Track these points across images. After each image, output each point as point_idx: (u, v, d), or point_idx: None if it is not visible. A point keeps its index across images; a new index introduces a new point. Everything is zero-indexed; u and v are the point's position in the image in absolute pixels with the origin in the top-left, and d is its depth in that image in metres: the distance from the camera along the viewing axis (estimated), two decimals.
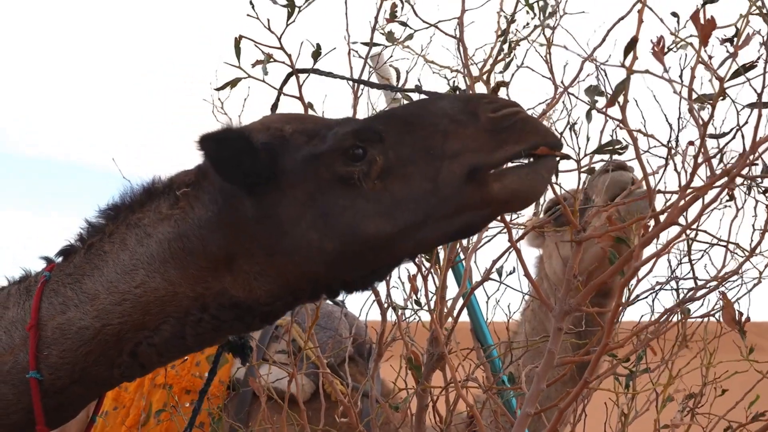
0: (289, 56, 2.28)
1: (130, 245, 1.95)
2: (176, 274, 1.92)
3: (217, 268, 1.92)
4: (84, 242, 2.00)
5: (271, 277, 1.91)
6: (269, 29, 2.30)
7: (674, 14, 1.90)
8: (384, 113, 1.95)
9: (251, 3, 2.30)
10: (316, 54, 2.27)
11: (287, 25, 2.31)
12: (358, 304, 3.23)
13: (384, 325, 2.45)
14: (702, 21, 1.77)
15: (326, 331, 3.31)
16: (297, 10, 2.30)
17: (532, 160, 1.78)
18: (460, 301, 2.43)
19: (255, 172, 1.87)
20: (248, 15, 2.28)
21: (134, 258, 1.94)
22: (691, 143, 1.94)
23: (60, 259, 2.04)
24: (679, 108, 1.97)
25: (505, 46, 2.18)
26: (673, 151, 2.06)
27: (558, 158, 1.81)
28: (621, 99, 1.83)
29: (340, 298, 3.48)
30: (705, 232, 2.32)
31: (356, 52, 2.42)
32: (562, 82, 2.07)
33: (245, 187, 1.88)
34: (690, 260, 2.44)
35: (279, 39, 2.29)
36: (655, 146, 2.00)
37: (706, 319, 2.48)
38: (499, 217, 2.17)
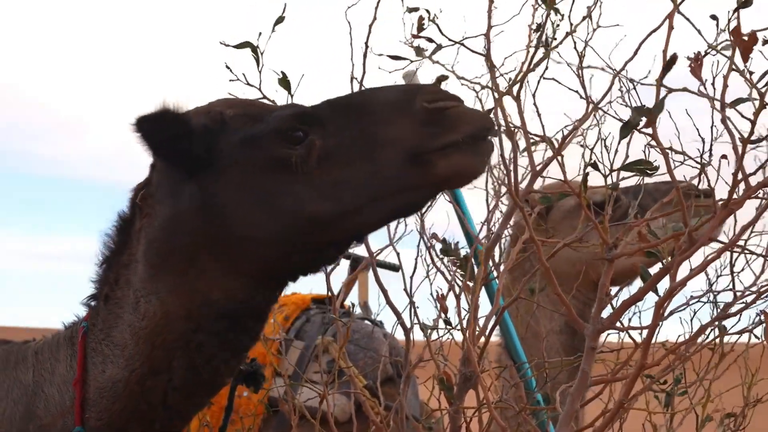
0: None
1: (132, 281, 1.90)
2: (163, 287, 1.85)
3: (188, 270, 1.84)
4: (101, 293, 1.95)
5: (235, 270, 1.84)
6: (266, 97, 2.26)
7: (714, 17, 1.77)
8: (328, 100, 1.89)
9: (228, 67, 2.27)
10: (285, 83, 2.21)
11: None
12: (389, 324, 3.12)
13: (408, 345, 2.35)
14: (742, 35, 1.66)
15: (366, 351, 3.20)
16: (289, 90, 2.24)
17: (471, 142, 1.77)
18: (492, 320, 2.30)
19: (192, 155, 1.81)
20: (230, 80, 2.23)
21: (135, 291, 1.88)
22: (724, 157, 1.82)
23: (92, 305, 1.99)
24: (712, 117, 1.84)
25: (537, 56, 2.07)
26: (705, 167, 1.92)
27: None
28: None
29: (374, 317, 3.43)
30: (745, 249, 2.18)
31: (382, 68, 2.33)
32: (592, 99, 1.95)
33: (184, 170, 1.82)
34: (732, 273, 2.30)
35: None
36: (686, 160, 1.86)
37: (746, 336, 2.34)
38: (531, 236, 2.08)
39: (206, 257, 1.84)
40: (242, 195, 1.82)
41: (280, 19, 2.18)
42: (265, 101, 2.12)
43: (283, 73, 2.19)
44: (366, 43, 2.24)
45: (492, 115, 2.08)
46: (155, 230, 1.87)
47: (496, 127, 1.81)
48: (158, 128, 1.82)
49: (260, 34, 2.20)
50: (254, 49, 2.21)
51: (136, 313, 1.87)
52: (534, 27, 2.07)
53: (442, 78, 2.17)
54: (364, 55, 2.25)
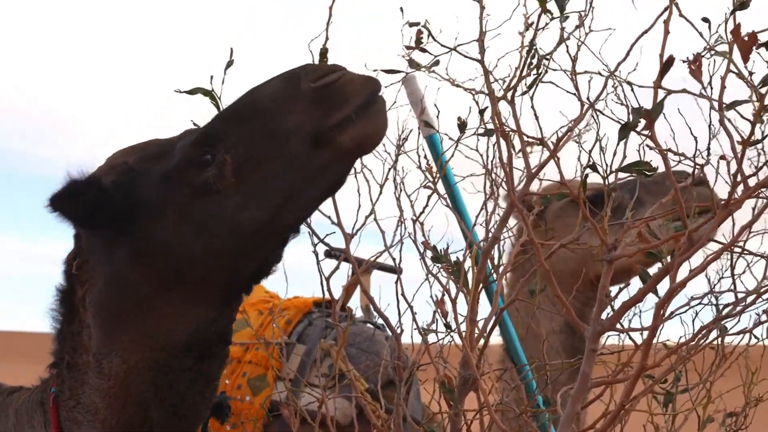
0: None
1: (89, 346, 1.89)
2: (121, 345, 1.85)
3: (143, 320, 1.84)
4: (63, 362, 1.94)
5: (190, 303, 1.84)
6: None
7: (705, 19, 1.74)
8: (220, 113, 1.90)
9: None
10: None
11: None
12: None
13: (400, 350, 2.33)
14: (742, 36, 1.63)
15: (368, 354, 3.17)
16: None
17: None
18: (492, 323, 2.28)
19: (113, 214, 1.81)
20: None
21: (94, 355, 1.88)
22: (722, 158, 1.80)
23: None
24: (710, 118, 1.81)
25: (528, 62, 2.04)
26: (703, 167, 1.89)
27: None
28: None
29: (377, 321, 3.40)
30: (747, 251, 2.15)
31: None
32: (588, 98, 1.93)
33: (110, 230, 1.82)
34: (732, 274, 2.28)
35: None
36: (683, 160, 1.83)
37: (746, 337, 2.31)
38: (530, 238, 2.06)
39: (158, 302, 1.84)
40: (175, 231, 1.82)
41: (229, 63, 2.16)
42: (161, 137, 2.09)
43: (323, 48, 2.18)
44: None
45: (490, 117, 2.07)
46: (99, 294, 1.87)
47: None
48: (73, 202, 1.82)
49: (212, 77, 2.18)
50: (208, 94, 2.18)
51: (101, 376, 1.87)
52: (524, 33, 2.04)
53: (325, 50, 2.17)
54: None
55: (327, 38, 2.21)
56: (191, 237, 1.81)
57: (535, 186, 2.10)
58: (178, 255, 1.82)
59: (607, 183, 1.93)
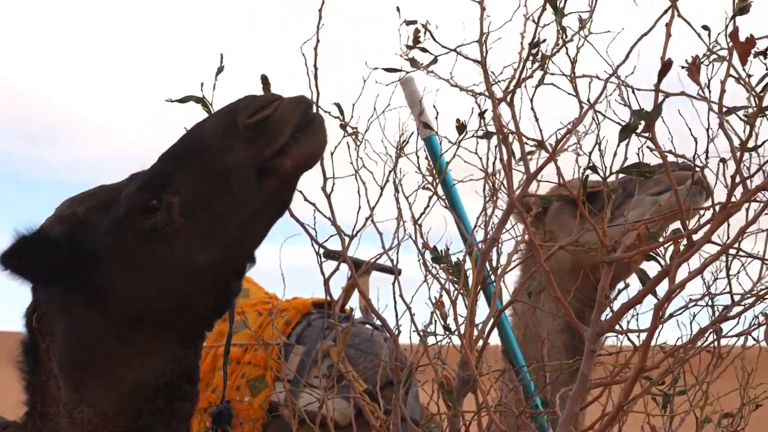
0: None
1: (58, 396, 1.89)
2: (89, 394, 1.85)
3: (109, 368, 1.84)
4: (36, 412, 1.94)
5: (155, 347, 1.85)
6: None
7: (705, 27, 1.75)
8: (162, 155, 1.89)
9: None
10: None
11: None
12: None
13: (397, 351, 2.33)
14: (740, 39, 1.64)
15: (367, 355, 3.17)
16: None
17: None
18: (490, 324, 2.28)
19: (66, 266, 1.81)
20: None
21: (64, 405, 1.88)
22: (723, 160, 1.80)
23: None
24: (708, 120, 1.82)
25: (529, 64, 2.05)
26: (702, 169, 1.90)
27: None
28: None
29: (376, 322, 3.40)
30: (744, 252, 2.16)
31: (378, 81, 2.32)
32: (588, 100, 1.93)
33: (65, 282, 1.82)
34: (728, 276, 2.28)
35: None
36: (681, 162, 1.84)
37: (743, 339, 2.32)
38: (529, 239, 2.07)
39: (121, 349, 1.84)
40: (128, 279, 1.82)
41: (220, 69, 2.17)
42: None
43: (263, 76, 2.17)
44: (315, 66, 2.24)
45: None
46: (62, 347, 1.87)
47: (320, 116, 1.87)
48: (23, 259, 1.81)
49: (203, 84, 2.19)
50: (200, 101, 2.18)
51: (72, 425, 1.86)
52: (525, 34, 2.05)
53: (265, 78, 2.18)
54: (315, 77, 2.26)
55: (318, 40, 2.22)
56: (145, 283, 1.82)
57: (533, 188, 2.10)
58: (134, 302, 1.82)
59: (606, 184, 1.93)
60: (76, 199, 1.95)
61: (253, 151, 1.78)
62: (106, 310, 1.84)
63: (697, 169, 1.94)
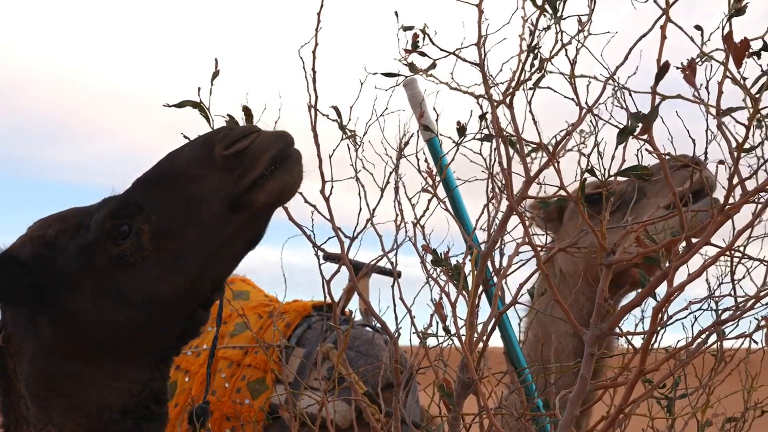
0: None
1: (27, 416, 1.90)
2: (56, 414, 1.86)
3: (75, 389, 1.85)
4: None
5: (120, 369, 1.85)
6: None
7: (698, 27, 1.76)
8: (137, 180, 1.90)
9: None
10: (247, 114, 2.19)
11: None
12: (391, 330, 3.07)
13: (397, 353, 2.34)
14: (735, 41, 1.65)
15: (367, 357, 3.18)
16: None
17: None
18: (491, 326, 2.28)
19: (34, 287, 1.82)
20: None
21: (33, 426, 1.88)
22: (721, 162, 1.81)
23: None
24: (707, 124, 1.83)
25: (528, 67, 2.05)
26: (701, 171, 1.90)
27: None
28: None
29: (375, 324, 3.41)
30: (744, 254, 2.16)
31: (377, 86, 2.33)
32: (586, 102, 1.94)
33: (32, 303, 1.83)
34: (732, 279, 2.28)
35: None
36: (680, 163, 1.85)
37: (746, 342, 2.32)
38: (529, 241, 2.07)
39: (87, 371, 1.85)
40: (95, 304, 1.83)
41: (215, 74, 2.17)
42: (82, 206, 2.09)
43: (245, 107, 2.17)
44: (313, 69, 2.25)
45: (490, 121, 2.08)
46: (28, 367, 1.88)
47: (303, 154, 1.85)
48: None
49: (200, 88, 2.19)
50: (197, 106, 2.19)
51: None
52: (523, 36, 2.05)
53: (247, 110, 2.17)
54: (314, 80, 2.26)
55: (317, 44, 2.23)
56: (111, 309, 1.82)
57: (534, 191, 2.11)
58: (100, 327, 1.83)
59: (605, 187, 1.94)
60: (47, 220, 1.95)
61: (227, 183, 1.78)
62: (72, 332, 1.84)
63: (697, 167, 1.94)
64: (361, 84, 2.32)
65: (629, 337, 2.17)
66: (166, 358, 1.95)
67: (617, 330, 2.01)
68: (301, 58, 2.24)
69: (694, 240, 1.85)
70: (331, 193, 2.31)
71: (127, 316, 1.82)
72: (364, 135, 2.39)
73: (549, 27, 2.00)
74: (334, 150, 2.31)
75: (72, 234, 1.87)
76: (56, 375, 1.86)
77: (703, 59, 1.73)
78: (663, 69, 1.66)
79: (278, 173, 1.79)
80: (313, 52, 2.25)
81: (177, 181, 1.81)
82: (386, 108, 2.38)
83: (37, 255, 1.86)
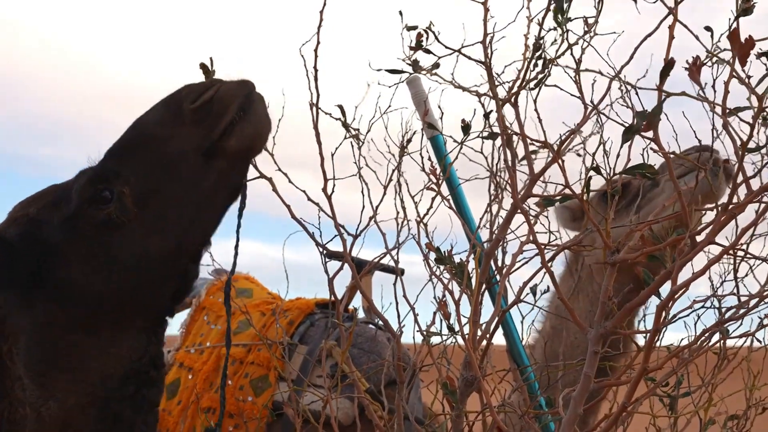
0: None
1: (23, 398, 1.90)
2: (57, 389, 1.87)
3: (76, 360, 1.87)
4: (3, 418, 1.93)
5: (120, 334, 1.88)
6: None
7: (708, 28, 1.77)
8: (110, 148, 1.94)
9: None
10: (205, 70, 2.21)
11: None
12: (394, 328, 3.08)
13: (399, 351, 2.35)
14: (740, 40, 1.66)
15: (370, 355, 3.19)
16: None
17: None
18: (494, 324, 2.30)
19: (24, 266, 1.84)
20: None
21: (30, 405, 1.89)
22: (726, 161, 1.82)
23: None
24: (712, 121, 1.84)
25: (533, 66, 2.06)
26: (705, 170, 1.91)
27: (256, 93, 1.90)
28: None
29: (376, 320, 3.42)
30: (747, 253, 2.17)
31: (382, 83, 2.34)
32: (591, 101, 1.95)
33: (24, 283, 1.85)
34: (735, 278, 2.30)
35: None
36: (685, 163, 1.86)
37: (748, 340, 2.33)
38: (533, 239, 2.08)
39: (86, 342, 1.88)
40: (86, 272, 1.85)
41: (210, 74, 2.19)
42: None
43: (202, 64, 2.20)
44: (315, 68, 2.27)
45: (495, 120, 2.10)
46: (27, 347, 1.89)
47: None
48: None
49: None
50: None
51: (41, 423, 1.88)
52: (529, 35, 2.06)
53: (205, 66, 2.20)
54: (316, 79, 2.28)
55: (318, 42, 2.25)
56: (104, 275, 1.85)
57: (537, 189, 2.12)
58: (95, 295, 1.86)
59: (610, 186, 1.95)
60: (25, 201, 1.98)
61: (200, 135, 1.84)
62: (68, 304, 1.87)
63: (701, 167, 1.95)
64: (368, 85, 2.33)
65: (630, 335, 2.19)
66: (162, 321, 1.98)
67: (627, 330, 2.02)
68: (302, 56, 2.25)
69: (698, 238, 1.86)
70: (333, 191, 2.32)
71: (120, 280, 1.85)
72: (367, 133, 2.40)
73: (556, 27, 2.00)
74: (336, 148, 2.33)
75: (54, 209, 1.90)
76: (56, 349, 1.88)
77: (712, 60, 1.74)
78: (668, 65, 1.67)
79: (247, 117, 1.86)
80: (315, 51, 2.26)
81: (149, 144, 1.86)
82: (389, 105, 2.40)
83: (23, 234, 1.89)
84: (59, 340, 1.88)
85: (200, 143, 1.84)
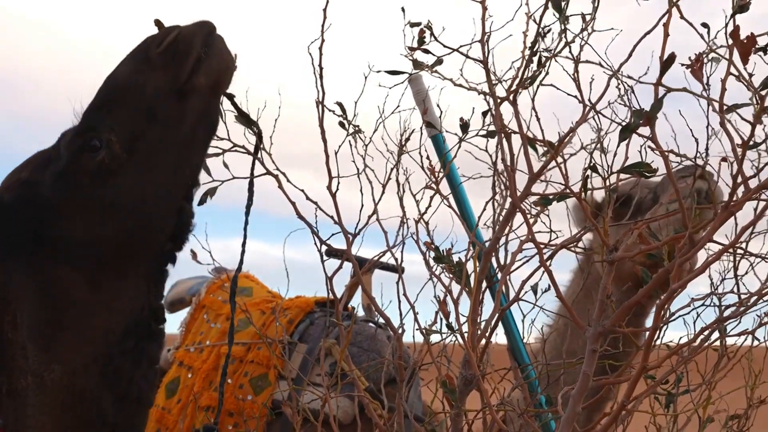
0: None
1: (25, 366, 1.92)
2: (61, 350, 1.89)
3: (80, 317, 1.90)
4: (2, 390, 1.95)
5: (123, 287, 1.93)
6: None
7: (705, 25, 1.77)
8: (87, 108, 2.01)
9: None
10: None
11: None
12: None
13: (401, 349, 2.36)
14: (741, 38, 1.66)
15: (369, 353, 3.20)
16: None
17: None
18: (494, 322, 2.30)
19: (24, 228, 1.88)
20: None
21: (33, 372, 1.90)
22: (724, 159, 1.82)
23: None
24: (708, 119, 1.84)
25: (532, 64, 2.07)
26: (704, 168, 1.92)
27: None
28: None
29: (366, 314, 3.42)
30: (747, 251, 2.18)
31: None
32: (589, 99, 1.96)
33: (27, 245, 1.88)
34: (735, 276, 2.30)
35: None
36: (684, 161, 1.86)
37: (749, 338, 2.33)
38: (532, 238, 2.09)
39: (90, 296, 1.91)
40: (85, 223, 1.91)
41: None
42: None
43: (157, 20, 2.19)
44: (320, 66, 2.29)
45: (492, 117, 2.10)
46: (30, 311, 1.90)
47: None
48: None
49: None
50: None
51: (42, 390, 1.90)
52: (527, 33, 2.07)
53: (158, 21, 2.21)
54: (321, 77, 2.30)
55: (323, 41, 2.26)
56: (102, 223, 1.91)
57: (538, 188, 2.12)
58: (95, 245, 1.91)
59: (608, 185, 1.95)
60: (17, 168, 2.03)
61: (170, 76, 1.93)
62: (70, 260, 1.90)
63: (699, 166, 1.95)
64: (365, 77, 2.34)
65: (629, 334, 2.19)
66: (162, 268, 2.03)
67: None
68: (309, 54, 2.27)
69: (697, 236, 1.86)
70: (338, 189, 2.33)
71: (119, 225, 1.91)
72: (373, 132, 2.41)
73: (550, 27, 2.01)
74: (340, 145, 2.34)
75: (45, 169, 1.95)
76: (60, 308, 1.91)
77: (709, 57, 1.74)
78: (668, 61, 1.67)
79: (211, 54, 1.96)
80: (320, 49, 2.27)
81: (126, 93, 1.94)
82: (385, 102, 2.41)
83: (18, 197, 1.93)
84: (63, 300, 1.91)
85: (172, 84, 1.93)
